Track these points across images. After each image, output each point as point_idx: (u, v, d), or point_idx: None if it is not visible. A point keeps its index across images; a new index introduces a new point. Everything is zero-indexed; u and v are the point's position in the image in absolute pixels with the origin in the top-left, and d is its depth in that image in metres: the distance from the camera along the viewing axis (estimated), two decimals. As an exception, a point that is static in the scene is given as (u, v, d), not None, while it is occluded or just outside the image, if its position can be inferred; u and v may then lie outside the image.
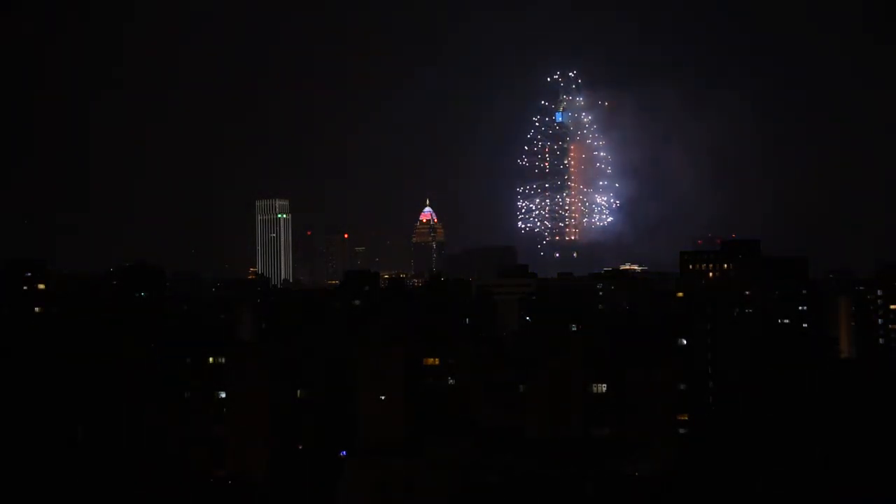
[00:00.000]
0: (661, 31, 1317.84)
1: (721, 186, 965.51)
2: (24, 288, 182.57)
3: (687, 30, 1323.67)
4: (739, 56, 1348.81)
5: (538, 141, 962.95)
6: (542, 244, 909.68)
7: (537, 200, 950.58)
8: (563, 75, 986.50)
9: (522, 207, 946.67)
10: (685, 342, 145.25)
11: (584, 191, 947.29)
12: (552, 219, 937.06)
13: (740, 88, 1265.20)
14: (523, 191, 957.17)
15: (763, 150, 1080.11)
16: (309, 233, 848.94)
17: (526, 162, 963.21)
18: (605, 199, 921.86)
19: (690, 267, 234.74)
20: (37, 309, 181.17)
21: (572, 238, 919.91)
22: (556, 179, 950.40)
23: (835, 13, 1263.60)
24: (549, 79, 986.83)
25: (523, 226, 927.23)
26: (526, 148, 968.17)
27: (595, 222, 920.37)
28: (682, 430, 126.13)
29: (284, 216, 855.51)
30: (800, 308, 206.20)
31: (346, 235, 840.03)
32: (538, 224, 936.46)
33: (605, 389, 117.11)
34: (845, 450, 70.61)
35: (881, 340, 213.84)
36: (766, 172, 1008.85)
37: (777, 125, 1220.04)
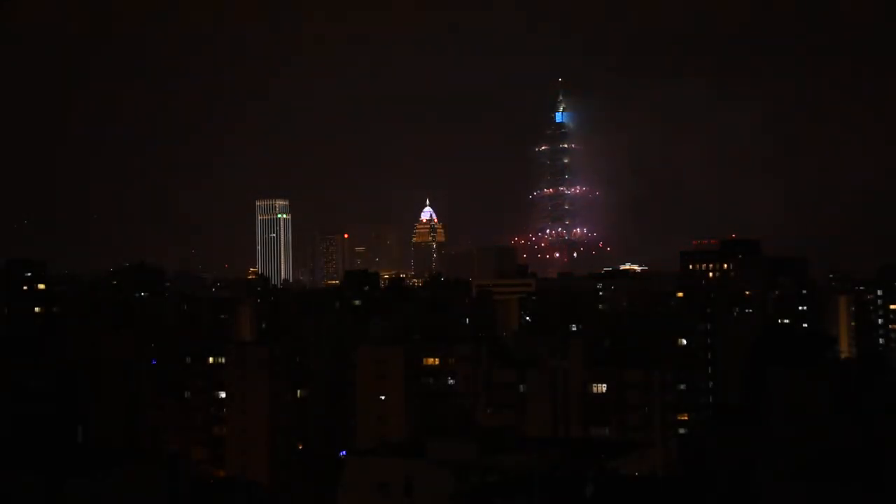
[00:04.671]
0: (666, 31, 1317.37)
1: (724, 186, 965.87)
2: (24, 288, 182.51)
3: (694, 30, 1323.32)
4: (744, 57, 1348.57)
5: (538, 141, 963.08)
6: (542, 244, 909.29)
7: (537, 200, 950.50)
8: (565, 75, 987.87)
9: (522, 207, 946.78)
10: (685, 342, 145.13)
11: (585, 190, 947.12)
12: (552, 219, 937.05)
13: (745, 89, 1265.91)
14: (523, 191, 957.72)
15: (763, 150, 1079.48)
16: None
17: (526, 162, 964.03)
18: (606, 198, 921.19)
19: (690, 267, 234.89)
20: (37, 309, 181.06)
21: (572, 237, 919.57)
22: (556, 179, 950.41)
23: (837, 16, 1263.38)
24: (550, 81, 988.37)
25: (524, 225, 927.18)
26: (526, 148, 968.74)
27: (595, 222, 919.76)
28: (682, 430, 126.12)
29: (284, 216, 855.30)
30: (800, 308, 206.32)
31: (346, 235, 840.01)
32: (538, 223, 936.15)
33: (604, 389, 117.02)
34: (844, 450, 70.58)
35: (881, 340, 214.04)
36: (767, 172, 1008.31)
37: (779, 126, 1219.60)
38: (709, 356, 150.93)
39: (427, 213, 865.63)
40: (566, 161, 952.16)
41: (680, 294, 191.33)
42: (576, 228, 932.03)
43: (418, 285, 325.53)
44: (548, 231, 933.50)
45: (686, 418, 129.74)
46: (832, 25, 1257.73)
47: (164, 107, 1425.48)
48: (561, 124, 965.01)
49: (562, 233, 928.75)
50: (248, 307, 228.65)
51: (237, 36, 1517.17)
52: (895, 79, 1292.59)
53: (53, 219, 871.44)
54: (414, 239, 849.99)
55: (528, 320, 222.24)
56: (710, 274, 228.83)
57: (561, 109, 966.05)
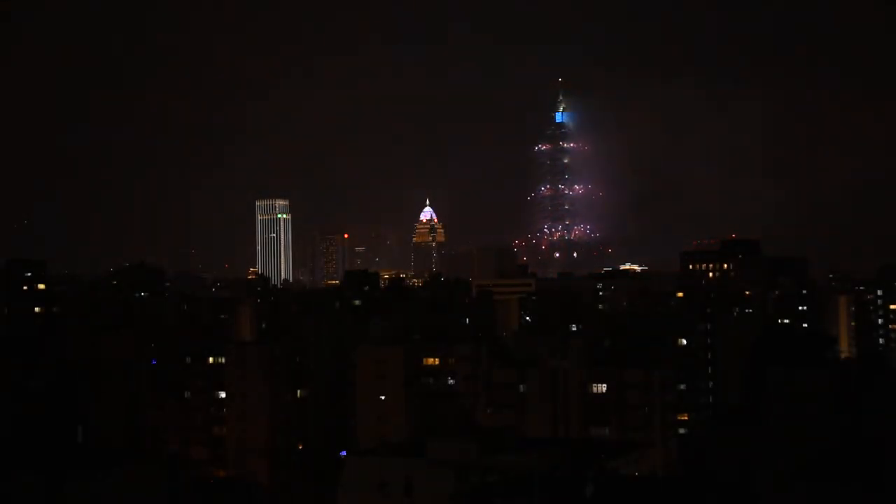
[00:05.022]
0: (667, 31, 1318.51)
1: (724, 186, 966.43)
2: (24, 288, 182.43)
3: (694, 30, 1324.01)
4: (744, 57, 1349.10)
5: (538, 141, 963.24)
6: (542, 244, 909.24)
7: (537, 200, 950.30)
8: (565, 75, 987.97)
9: (522, 207, 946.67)
10: (685, 342, 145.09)
11: (585, 190, 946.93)
12: (553, 219, 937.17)
13: (745, 89, 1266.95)
14: (523, 191, 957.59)
15: (764, 150, 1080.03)
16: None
17: (526, 162, 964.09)
18: (606, 198, 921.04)
19: (690, 267, 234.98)
20: (37, 309, 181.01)
21: (572, 237, 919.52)
22: (556, 179, 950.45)
23: (838, 17, 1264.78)
24: (550, 81, 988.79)
25: (524, 225, 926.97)
26: (526, 148, 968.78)
27: (595, 222, 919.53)
28: (682, 430, 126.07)
29: (284, 216, 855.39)
30: (800, 308, 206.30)
31: (346, 235, 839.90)
32: (538, 223, 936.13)
33: (604, 389, 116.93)
34: (844, 450, 70.69)
35: (881, 340, 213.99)
36: (767, 172, 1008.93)
37: (779, 126, 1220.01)
38: (709, 356, 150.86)
39: (427, 213, 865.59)
40: (566, 161, 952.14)
41: (680, 294, 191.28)
42: (576, 228, 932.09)
43: (418, 285, 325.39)
44: (548, 231, 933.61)
45: (686, 418, 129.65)
46: (833, 27, 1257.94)
47: (164, 107, 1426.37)
48: (561, 124, 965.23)
49: (562, 232, 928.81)
50: (248, 307, 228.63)
51: (238, 36, 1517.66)
52: (895, 79, 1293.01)
53: (53, 219, 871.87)
54: (414, 239, 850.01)
55: (528, 320, 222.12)
56: (710, 274, 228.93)
57: (561, 109, 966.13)
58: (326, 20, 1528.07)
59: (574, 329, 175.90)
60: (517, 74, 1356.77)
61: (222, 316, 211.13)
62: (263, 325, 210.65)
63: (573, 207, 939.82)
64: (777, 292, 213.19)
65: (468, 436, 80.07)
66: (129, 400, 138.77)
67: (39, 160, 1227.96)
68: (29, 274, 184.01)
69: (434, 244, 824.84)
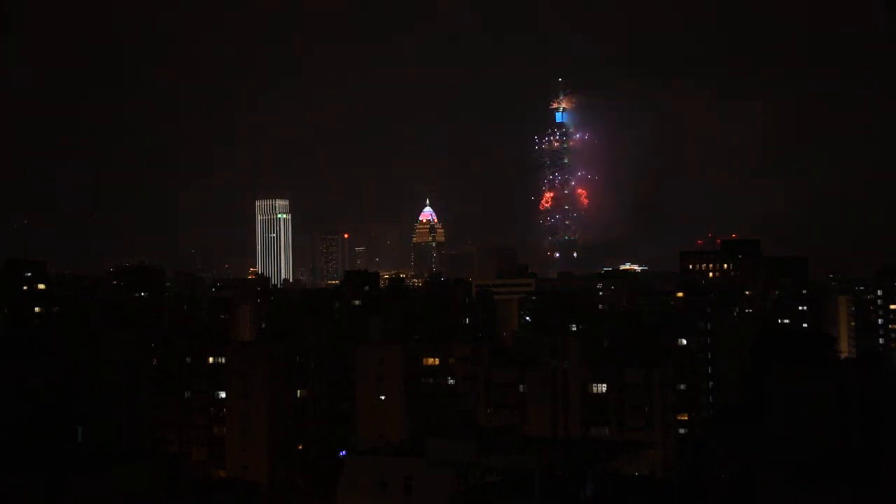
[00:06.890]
0: (669, 31, 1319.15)
1: (725, 187, 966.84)
2: (24, 288, 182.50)
3: (697, 30, 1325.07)
4: (746, 57, 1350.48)
5: (539, 141, 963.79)
6: (542, 243, 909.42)
7: (537, 200, 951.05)
8: (566, 74, 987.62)
9: (522, 207, 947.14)
10: (685, 342, 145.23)
11: (585, 190, 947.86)
12: (553, 218, 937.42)
13: (747, 90, 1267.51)
14: (523, 191, 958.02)
15: (765, 150, 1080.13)
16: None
17: (527, 162, 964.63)
18: (606, 198, 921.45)
19: (690, 267, 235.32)
20: (37, 309, 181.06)
21: (572, 237, 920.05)
22: (556, 179, 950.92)
23: (839, 19, 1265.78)
24: (550, 81, 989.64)
25: (523, 226, 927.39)
26: (527, 148, 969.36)
27: (595, 221, 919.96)
28: (682, 430, 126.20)
29: (284, 216, 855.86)
30: (800, 308, 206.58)
31: (346, 235, 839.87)
32: (538, 224, 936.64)
33: (604, 389, 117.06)
34: (844, 450, 70.67)
35: (881, 340, 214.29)
36: (768, 173, 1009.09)
37: (780, 126, 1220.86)
38: (709, 356, 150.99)
39: (427, 213, 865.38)
40: (566, 161, 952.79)
41: (680, 294, 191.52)
42: (575, 228, 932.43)
43: (418, 285, 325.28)
44: (548, 230, 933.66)
45: (686, 418, 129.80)
46: (833, 27, 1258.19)
47: (164, 106, 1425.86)
48: (561, 124, 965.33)
49: (561, 232, 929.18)
50: (248, 307, 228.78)
51: (238, 35, 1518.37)
52: (895, 78, 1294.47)
53: (53, 219, 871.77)
54: (414, 239, 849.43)
55: (528, 320, 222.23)
56: (710, 274, 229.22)
57: (561, 109, 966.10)
58: (326, 19, 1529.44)
59: (574, 329, 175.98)
60: (518, 74, 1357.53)
61: (222, 316, 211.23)
62: (263, 325, 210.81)
63: (573, 207, 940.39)
64: (777, 292, 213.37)
65: (468, 436, 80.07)
66: (129, 400, 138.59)
67: (39, 160, 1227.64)
68: (29, 274, 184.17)
69: (434, 244, 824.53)
